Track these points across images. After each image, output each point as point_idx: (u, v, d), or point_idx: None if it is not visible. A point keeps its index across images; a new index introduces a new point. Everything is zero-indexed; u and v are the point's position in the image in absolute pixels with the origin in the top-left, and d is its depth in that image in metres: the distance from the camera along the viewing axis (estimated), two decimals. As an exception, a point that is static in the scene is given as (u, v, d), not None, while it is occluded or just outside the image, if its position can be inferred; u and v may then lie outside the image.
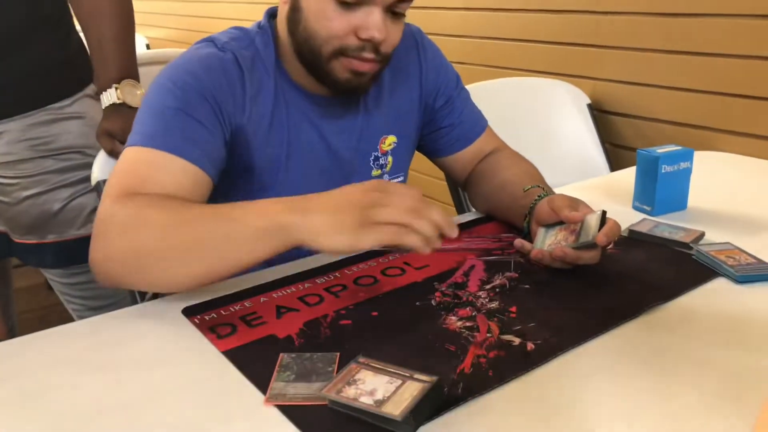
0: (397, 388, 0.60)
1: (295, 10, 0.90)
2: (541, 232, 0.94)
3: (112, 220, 0.79)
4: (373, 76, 0.94)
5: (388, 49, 0.91)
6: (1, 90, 1.17)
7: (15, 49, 1.16)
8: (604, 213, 0.88)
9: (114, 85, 1.15)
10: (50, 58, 1.20)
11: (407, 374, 0.62)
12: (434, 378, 0.61)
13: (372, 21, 0.86)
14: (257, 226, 0.73)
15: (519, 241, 0.97)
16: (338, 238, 0.70)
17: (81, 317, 1.31)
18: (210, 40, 0.95)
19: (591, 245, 0.86)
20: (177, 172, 0.84)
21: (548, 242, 0.91)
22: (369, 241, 0.70)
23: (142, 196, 0.80)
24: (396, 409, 0.57)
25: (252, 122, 0.93)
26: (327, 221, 0.71)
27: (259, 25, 0.98)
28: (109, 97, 1.16)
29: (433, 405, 0.60)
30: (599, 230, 0.85)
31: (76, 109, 1.24)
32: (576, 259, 0.87)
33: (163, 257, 0.76)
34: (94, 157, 1.23)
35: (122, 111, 1.15)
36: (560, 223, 0.93)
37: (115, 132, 1.13)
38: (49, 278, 1.35)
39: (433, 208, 0.73)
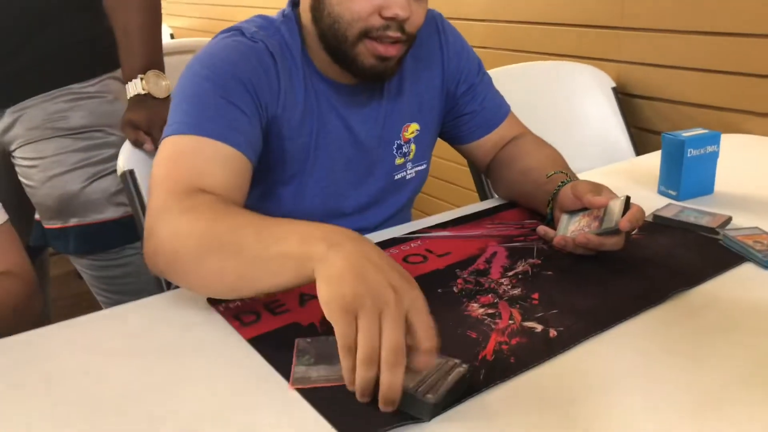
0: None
1: None
2: (564, 219, 0.94)
3: (163, 217, 0.78)
4: (398, 60, 0.94)
5: (413, 28, 0.91)
6: (24, 70, 1.19)
7: (38, 31, 1.17)
8: (627, 198, 0.87)
9: (139, 76, 1.17)
10: (73, 39, 1.21)
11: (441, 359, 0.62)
12: (467, 366, 0.61)
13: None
14: (289, 249, 0.66)
15: (542, 228, 0.96)
16: (326, 289, 0.59)
17: (110, 307, 1.34)
18: (237, 29, 0.94)
19: (614, 231, 0.85)
20: (224, 159, 0.84)
21: (571, 228, 0.91)
22: (334, 321, 0.58)
23: (194, 194, 0.79)
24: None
25: (286, 112, 0.94)
26: (339, 266, 0.60)
27: (284, 14, 0.98)
28: (134, 87, 1.17)
29: (457, 392, 0.60)
30: (623, 216, 0.84)
31: (98, 89, 1.25)
32: (599, 245, 0.86)
33: (199, 263, 0.73)
34: (116, 136, 1.25)
35: (147, 102, 1.16)
36: (584, 209, 0.92)
37: (139, 122, 1.14)
38: (79, 270, 1.37)
39: (399, 374, 0.56)
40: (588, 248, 0.87)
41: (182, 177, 0.82)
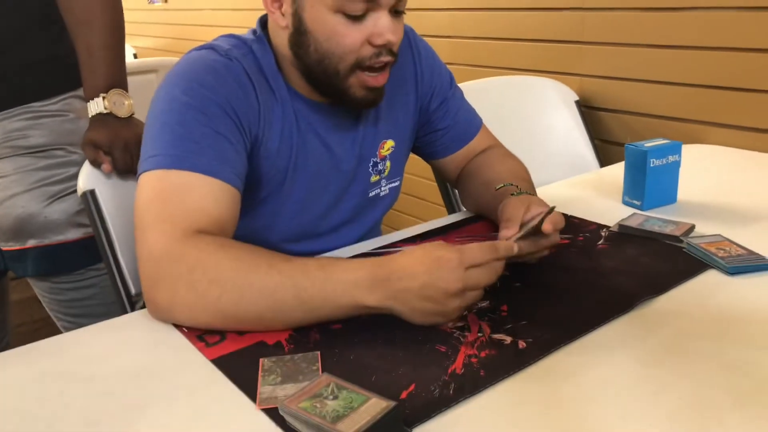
0: (358, 406, 0.58)
1: (300, 34, 0.88)
2: None
3: (172, 266, 0.75)
4: (385, 83, 0.93)
5: (397, 47, 0.91)
6: None
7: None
8: (551, 209, 0.86)
9: (101, 94, 1.14)
10: (35, 58, 1.19)
11: (368, 395, 0.59)
12: (392, 403, 0.58)
13: (382, 26, 0.86)
14: (345, 305, 0.74)
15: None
16: (420, 321, 0.75)
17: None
18: (210, 48, 0.91)
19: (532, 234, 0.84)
20: (215, 195, 0.82)
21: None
22: (450, 323, 0.76)
23: (197, 237, 0.77)
24: (350, 428, 0.55)
25: (266, 133, 0.92)
26: (411, 309, 0.74)
27: (255, 33, 0.95)
28: (96, 106, 1.14)
29: (387, 428, 0.58)
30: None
31: (60, 108, 1.22)
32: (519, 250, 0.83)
33: (238, 316, 0.74)
34: (78, 154, 1.22)
35: (108, 121, 1.14)
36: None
37: (100, 142, 1.11)
38: (38, 294, 1.32)
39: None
40: (518, 256, 0.84)
41: (177, 218, 0.79)
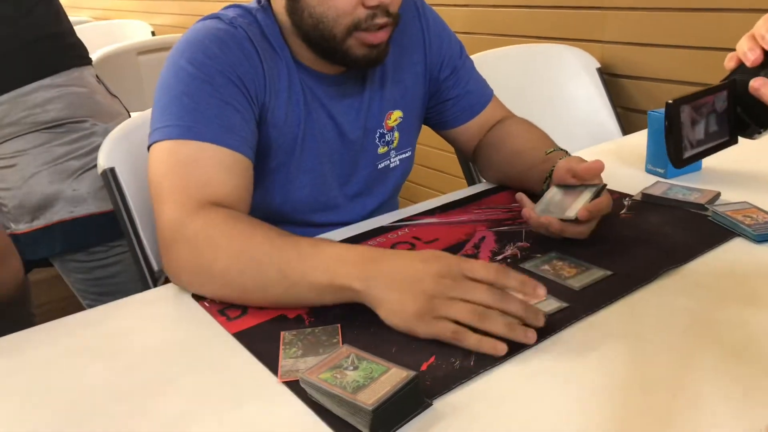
0: (378, 376, 0.58)
1: (294, 0, 0.88)
2: (548, 192, 0.91)
3: (182, 233, 0.78)
4: (388, 42, 0.92)
5: (396, 8, 0.90)
6: None
7: (6, 27, 1.15)
8: (602, 187, 0.86)
9: None
10: (42, 33, 1.19)
11: (388, 366, 0.59)
12: (412, 373, 0.57)
13: None
14: (322, 282, 0.71)
15: (519, 195, 0.93)
16: (395, 319, 0.67)
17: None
18: (216, 17, 0.92)
19: (573, 221, 0.83)
20: (227, 164, 0.84)
21: (548, 206, 0.88)
22: (425, 333, 0.66)
23: (209, 209, 0.79)
24: (370, 398, 0.55)
25: (272, 100, 0.92)
26: (389, 298, 0.68)
27: (259, 2, 0.96)
28: None
29: (408, 404, 0.57)
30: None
31: (74, 81, 1.23)
32: (560, 232, 0.85)
33: (229, 284, 0.75)
34: (98, 125, 1.22)
35: None
36: (570, 186, 0.90)
37: None
38: (65, 275, 1.32)
39: (512, 300, 0.66)
40: (549, 231, 0.85)
41: (191, 189, 0.81)
